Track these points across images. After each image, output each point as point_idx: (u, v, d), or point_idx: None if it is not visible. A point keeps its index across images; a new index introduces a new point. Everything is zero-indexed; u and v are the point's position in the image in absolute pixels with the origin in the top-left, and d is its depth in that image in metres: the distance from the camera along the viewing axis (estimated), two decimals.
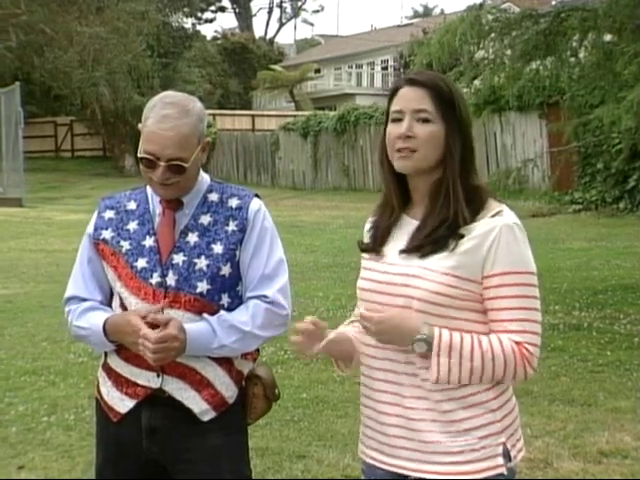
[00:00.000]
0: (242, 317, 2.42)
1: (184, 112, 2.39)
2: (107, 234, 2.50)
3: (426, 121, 2.09)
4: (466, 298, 2.06)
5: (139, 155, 2.40)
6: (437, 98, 2.09)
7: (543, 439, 4.79)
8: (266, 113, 37.34)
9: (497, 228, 2.06)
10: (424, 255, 2.08)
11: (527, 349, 2.05)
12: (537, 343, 2.07)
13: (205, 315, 2.40)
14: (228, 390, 2.46)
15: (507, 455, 2.10)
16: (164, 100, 2.42)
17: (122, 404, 2.47)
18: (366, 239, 2.26)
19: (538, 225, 14.69)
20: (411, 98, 2.11)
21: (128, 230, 2.49)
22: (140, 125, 2.46)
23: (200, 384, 2.42)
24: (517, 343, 2.04)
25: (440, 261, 2.06)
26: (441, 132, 2.10)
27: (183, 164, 2.38)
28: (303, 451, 4.70)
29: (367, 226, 2.30)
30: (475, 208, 2.10)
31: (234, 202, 2.48)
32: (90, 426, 2.68)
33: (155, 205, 2.50)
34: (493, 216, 2.09)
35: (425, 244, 2.09)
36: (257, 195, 2.54)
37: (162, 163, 2.36)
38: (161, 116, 2.38)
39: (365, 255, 2.25)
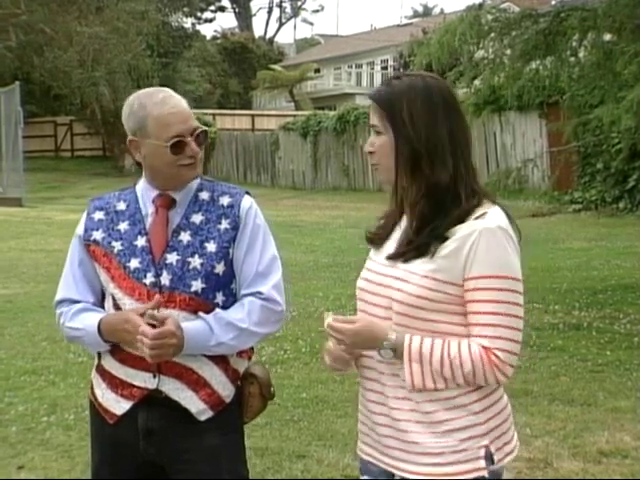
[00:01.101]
0: (238, 314, 2.42)
1: (171, 92, 2.46)
2: (98, 235, 2.49)
3: (378, 133, 2.15)
4: (447, 301, 2.07)
5: (168, 144, 2.37)
6: (380, 110, 2.14)
7: (543, 439, 4.79)
8: (266, 113, 37.33)
9: (476, 232, 2.05)
10: (407, 260, 2.11)
11: (496, 355, 2.03)
12: (509, 349, 2.04)
13: (201, 313, 2.40)
14: (225, 389, 2.46)
15: (490, 458, 2.09)
16: (143, 95, 2.46)
17: (118, 406, 2.46)
18: (369, 233, 2.29)
19: (538, 225, 14.70)
20: (370, 114, 2.19)
21: (119, 231, 2.48)
22: (132, 138, 2.44)
23: (197, 384, 2.42)
24: (486, 349, 2.03)
25: (421, 265, 2.08)
26: (390, 141, 2.12)
27: (203, 128, 2.44)
28: (303, 451, 4.70)
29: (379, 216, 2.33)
30: (458, 210, 2.07)
31: (225, 200, 2.49)
32: (89, 426, 2.67)
33: (146, 205, 2.49)
34: (476, 219, 2.08)
35: (407, 251, 2.12)
36: (248, 192, 2.55)
37: (189, 138, 2.39)
38: (160, 100, 2.41)
39: (369, 254, 2.28)
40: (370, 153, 2.16)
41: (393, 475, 2.15)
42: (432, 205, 2.09)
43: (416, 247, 2.09)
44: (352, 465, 4.30)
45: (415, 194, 2.11)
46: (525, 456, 4.40)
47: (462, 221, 2.07)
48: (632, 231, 13.80)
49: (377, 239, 2.24)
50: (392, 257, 2.15)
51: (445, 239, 2.06)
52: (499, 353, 2.03)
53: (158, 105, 2.39)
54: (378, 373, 2.14)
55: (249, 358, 2.57)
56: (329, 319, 2.11)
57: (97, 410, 2.53)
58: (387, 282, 2.12)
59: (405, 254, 2.11)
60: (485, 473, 2.08)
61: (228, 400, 2.47)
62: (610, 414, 5.22)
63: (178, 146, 2.38)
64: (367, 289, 2.19)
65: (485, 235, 2.04)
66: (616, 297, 8.81)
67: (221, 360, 2.45)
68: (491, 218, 2.07)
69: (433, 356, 2.04)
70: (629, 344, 6.91)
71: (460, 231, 2.06)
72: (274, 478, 4.37)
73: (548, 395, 5.62)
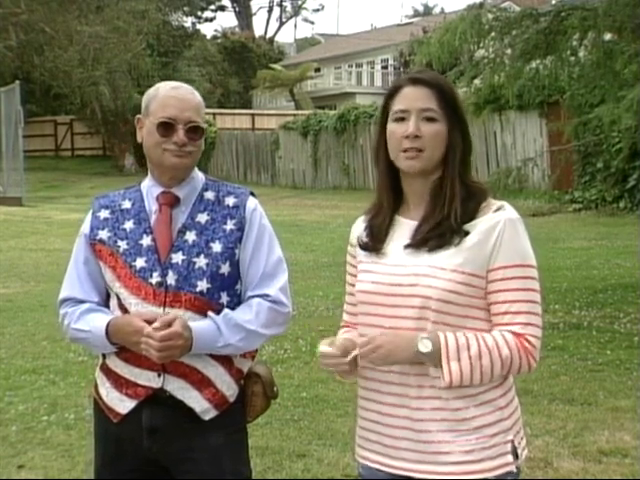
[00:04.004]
0: (246, 315, 2.42)
1: (191, 88, 2.51)
2: (104, 234, 2.49)
3: (431, 120, 2.11)
4: (471, 294, 2.07)
5: (156, 121, 2.40)
6: (441, 97, 2.11)
7: (543, 438, 4.79)
8: (266, 112, 37.32)
9: (501, 222, 2.07)
10: (431, 250, 2.08)
11: (529, 341, 2.06)
12: (539, 335, 2.09)
13: (210, 313, 2.40)
14: (229, 389, 2.46)
15: (515, 453, 2.10)
16: (165, 82, 2.53)
17: (122, 405, 2.46)
18: (364, 238, 2.24)
19: (538, 224, 14.69)
20: (416, 97, 2.12)
21: (124, 230, 2.48)
22: (139, 116, 2.49)
23: (201, 383, 2.42)
24: (518, 335, 2.05)
25: (448, 259, 2.06)
26: (445, 131, 2.12)
27: (201, 126, 2.44)
28: (303, 450, 4.70)
29: (361, 225, 2.28)
30: (476, 205, 2.11)
31: (231, 200, 2.49)
32: (90, 425, 2.66)
33: (150, 203, 2.50)
34: (496, 211, 2.10)
35: (431, 238, 2.09)
36: (252, 193, 2.55)
37: (181, 126, 2.40)
38: (173, 87, 2.47)
39: (362, 258, 2.24)
40: (416, 137, 2.09)
41: (409, 479, 2.12)
42: (459, 196, 2.10)
43: (439, 235, 2.08)
44: (352, 464, 4.29)
45: (458, 188, 2.11)
46: (525, 455, 4.40)
47: (478, 214, 2.09)
48: (632, 230, 13.80)
49: (375, 243, 2.20)
50: (413, 245, 2.11)
51: (467, 232, 2.07)
52: (531, 339, 2.06)
53: (167, 90, 2.45)
54: (401, 375, 2.10)
55: (252, 358, 2.57)
56: (323, 348, 2.11)
57: (101, 408, 2.53)
58: (410, 281, 2.08)
59: (428, 242, 2.09)
60: (513, 468, 2.10)
61: (232, 399, 2.47)
62: (610, 413, 5.22)
63: (165, 128, 2.40)
64: (381, 291, 2.13)
65: (509, 226, 2.08)
66: (616, 296, 8.82)
67: (225, 360, 2.45)
68: (510, 210, 2.11)
69: (471, 350, 2.02)
70: (629, 343, 6.92)
71: (482, 223, 2.08)
72: (274, 477, 4.37)
73: (548, 394, 5.63)
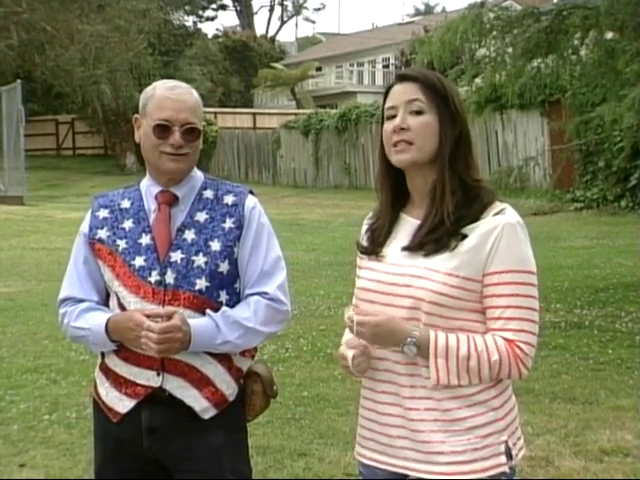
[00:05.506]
0: (244, 313, 2.42)
1: (188, 88, 2.49)
2: (103, 233, 2.49)
3: (419, 113, 2.11)
4: (465, 298, 2.06)
5: (152, 123, 2.40)
6: (429, 90, 2.11)
7: (544, 437, 4.79)
8: (267, 111, 37.30)
9: (500, 226, 2.06)
10: (427, 254, 2.08)
11: (520, 348, 2.05)
12: (532, 342, 2.07)
13: (208, 311, 2.40)
14: (228, 388, 2.46)
15: (509, 453, 2.09)
16: (162, 81, 2.52)
17: (122, 404, 2.46)
18: (364, 241, 2.26)
19: (539, 223, 14.69)
20: (403, 92, 2.13)
21: (124, 229, 2.48)
22: (137, 115, 2.49)
23: (200, 382, 2.42)
24: (510, 342, 2.04)
25: (443, 262, 2.06)
26: (435, 123, 2.11)
27: (198, 127, 2.43)
28: (304, 449, 4.70)
29: (364, 227, 2.30)
30: (481, 207, 2.10)
31: (230, 199, 2.49)
32: (91, 424, 2.67)
33: (149, 203, 2.50)
34: (496, 214, 2.09)
35: (427, 242, 2.09)
36: (251, 192, 2.56)
37: (177, 128, 2.39)
38: (169, 87, 2.45)
39: (364, 256, 2.25)
40: (402, 129, 2.10)
41: (406, 477, 2.12)
42: (457, 196, 2.09)
43: (436, 239, 2.07)
44: (353, 463, 4.28)
45: (449, 182, 2.09)
46: (526, 454, 4.37)
47: (480, 217, 2.08)
48: (634, 229, 13.78)
49: (374, 247, 2.21)
50: (410, 248, 2.11)
51: (465, 235, 2.06)
52: (523, 346, 2.05)
53: (164, 90, 2.44)
54: (394, 374, 2.11)
55: (252, 357, 2.57)
56: (350, 312, 2.07)
57: (101, 408, 2.53)
58: (405, 281, 2.08)
59: (425, 246, 2.08)
60: (506, 468, 2.09)
61: (231, 398, 2.47)
62: (611, 412, 5.21)
63: (162, 130, 2.40)
64: (377, 289, 2.14)
65: (507, 230, 2.06)
66: (618, 295, 8.81)
67: (224, 359, 2.45)
68: (511, 213, 2.10)
69: (460, 351, 2.02)
70: (631, 342, 6.91)
71: (481, 227, 2.06)
72: (276, 476, 4.37)
73: (549, 393, 5.62)
